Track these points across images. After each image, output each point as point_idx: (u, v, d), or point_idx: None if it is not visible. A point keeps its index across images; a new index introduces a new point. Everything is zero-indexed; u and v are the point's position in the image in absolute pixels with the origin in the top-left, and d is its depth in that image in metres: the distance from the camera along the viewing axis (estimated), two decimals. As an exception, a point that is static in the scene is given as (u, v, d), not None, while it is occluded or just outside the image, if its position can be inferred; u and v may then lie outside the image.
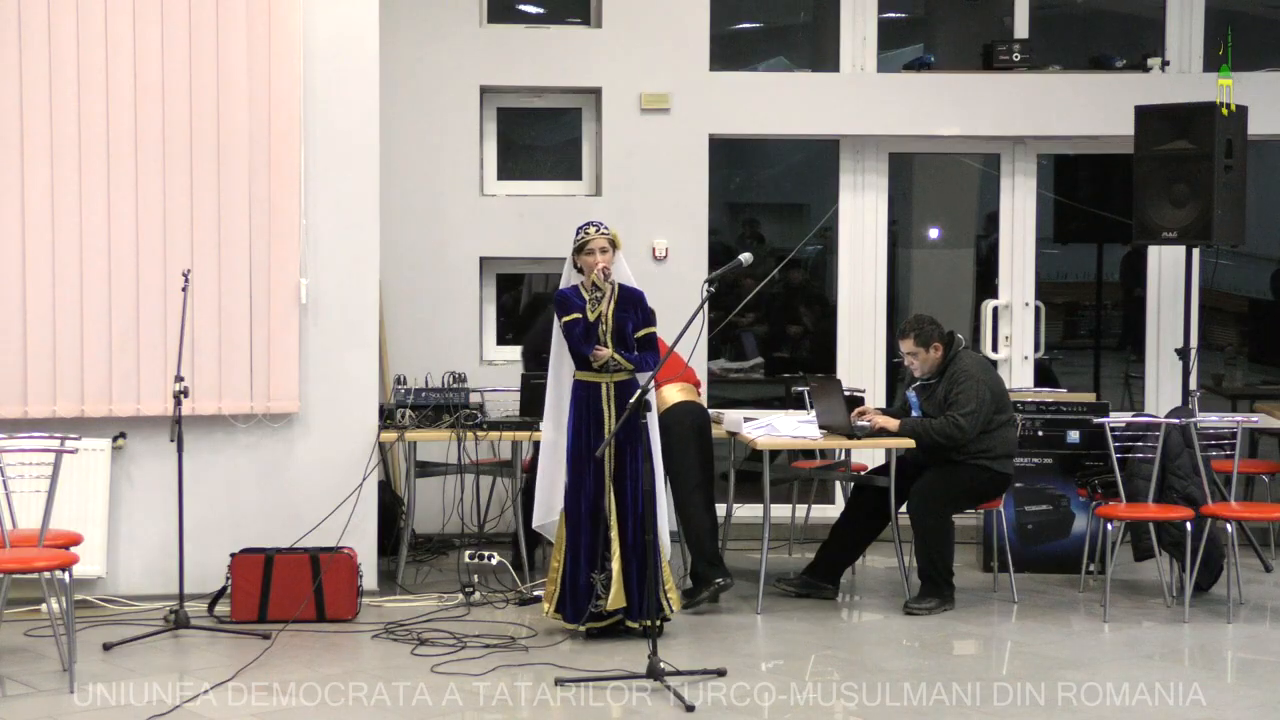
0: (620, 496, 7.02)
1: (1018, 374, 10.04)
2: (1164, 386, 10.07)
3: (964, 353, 8.03)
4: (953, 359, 7.97)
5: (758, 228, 11.34)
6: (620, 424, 6.88)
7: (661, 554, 7.05)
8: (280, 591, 7.39)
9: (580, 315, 7.08)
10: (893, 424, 7.93)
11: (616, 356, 7.02)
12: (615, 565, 6.99)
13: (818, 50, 10.67)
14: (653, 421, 7.04)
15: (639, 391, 6.65)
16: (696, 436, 7.81)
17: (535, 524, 7.42)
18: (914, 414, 8.05)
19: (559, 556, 7.16)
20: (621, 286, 7.17)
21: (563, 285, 7.25)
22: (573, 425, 7.12)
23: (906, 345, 8.02)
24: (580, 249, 7.14)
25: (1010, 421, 8.03)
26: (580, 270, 7.16)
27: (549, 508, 7.30)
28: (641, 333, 7.11)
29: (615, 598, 7.00)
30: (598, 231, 7.13)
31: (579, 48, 9.79)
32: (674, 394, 7.82)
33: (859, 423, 7.96)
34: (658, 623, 6.84)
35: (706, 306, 6.74)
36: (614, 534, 7.00)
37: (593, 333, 7.07)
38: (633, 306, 7.14)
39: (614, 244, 7.15)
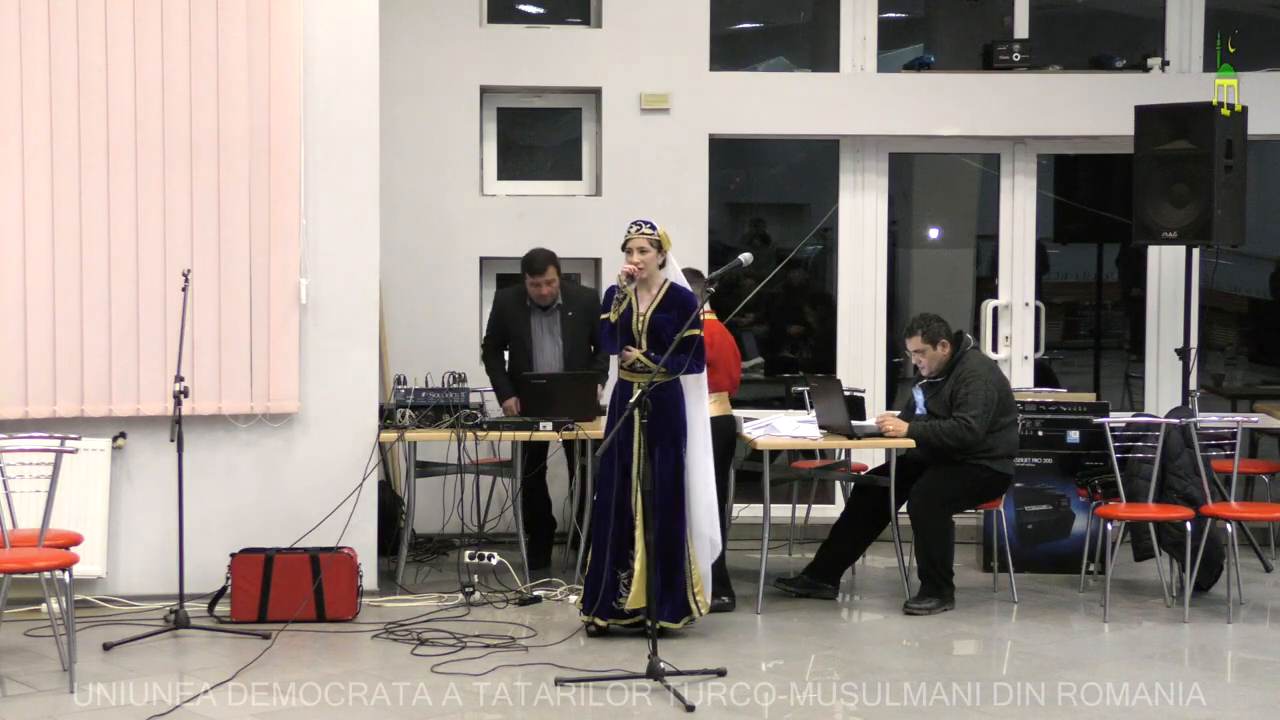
0: (648, 496, 6.98)
1: (1018, 374, 10.03)
2: (1164, 386, 10.07)
3: (971, 353, 8.02)
4: (960, 358, 7.96)
5: (763, 227, 11.33)
6: (621, 423, 6.85)
7: (691, 556, 7.09)
8: (280, 591, 7.39)
9: (608, 315, 7.12)
10: (901, 427, 7.90)
11: (642, 358, 7.02)
12: (638, 564, 6.98)
13: (818, 50, 10.67)
14: (695, 428, 7.07)
15: (639, 393, 6.63)
16: (723, 455, 7.77)
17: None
18: (919, 412, 8.05)
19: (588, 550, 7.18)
20: (672, 286, 7.13)
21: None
22: (609, 421, 7.14)
23: (914, 343, 8.01)
24: (623, 247, 7.14)
25: (1014, 423, 8.02)
26: None
27: None
28: (678, 335, 6.90)
29: (635, 597, 6.99)
30: (638, 231, 7.10)
31: (579, 48, 9.79)
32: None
33: (858, 421, 7.96)
34: (689, 620, 7.02)
35: (706, 307, 6.74)
36: (639, 533, 6.98)
37: (618, 331, 7.08)
38: (676, 308, 7.06)
39: (661, 245, 7.10)
